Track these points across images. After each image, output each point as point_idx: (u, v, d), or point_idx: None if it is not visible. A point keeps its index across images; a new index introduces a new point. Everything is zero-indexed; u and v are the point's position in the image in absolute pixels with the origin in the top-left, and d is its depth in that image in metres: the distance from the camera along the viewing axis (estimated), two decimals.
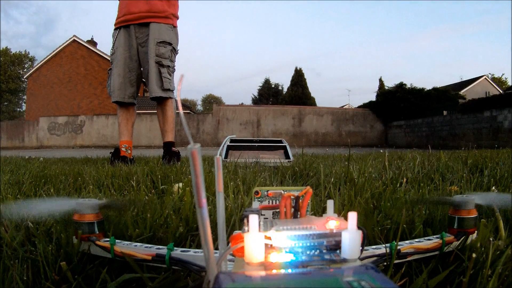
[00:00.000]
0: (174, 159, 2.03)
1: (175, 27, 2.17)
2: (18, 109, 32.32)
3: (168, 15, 2.11)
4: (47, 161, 2.44)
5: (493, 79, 27.39)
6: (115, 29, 2.15)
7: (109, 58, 2.23)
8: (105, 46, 22.66)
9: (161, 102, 2.10)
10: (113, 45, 2.14)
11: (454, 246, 0.43)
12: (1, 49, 30.40)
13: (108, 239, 0.42)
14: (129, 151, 2.12)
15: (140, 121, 12.43)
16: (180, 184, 0.89)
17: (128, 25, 2.09)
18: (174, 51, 2.14)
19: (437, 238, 0.43)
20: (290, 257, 0.24)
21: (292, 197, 0.33)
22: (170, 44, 2.09)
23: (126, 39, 2.11)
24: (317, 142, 13.01)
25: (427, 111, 12.20)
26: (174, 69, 2.14)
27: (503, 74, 32.94)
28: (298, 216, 0.32)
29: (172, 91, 2.10)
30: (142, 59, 2.12)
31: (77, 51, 17.98)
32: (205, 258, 0.20)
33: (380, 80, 23.15)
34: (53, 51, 18.30)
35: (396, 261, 0.40)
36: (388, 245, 0.40)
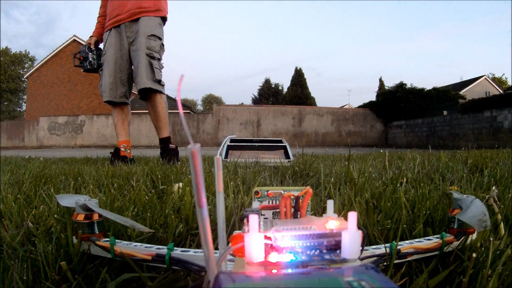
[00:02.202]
0: (174, 158, 2.02)
1: (165, 19, 2.17)
2: (18, 109, 32.35)
3: (159, 7, 2.12)
4: (47, 161, 2.44)
5: (493, 79, 27.41)
6: (105, 31, 2.16)
7: None
8: None
9: (150, 98, 2.06)
10: (104, 46, 2.15)
11: (454, 246, 0.43)
12: (1, 49, 30.42)
13: (108, 239, 0.42)
14: (129, 151, 2.12)
15: (140, 121, 12.42)
16: (180, 184, 0.89)
17: (119, 25, 2.09)
18: (163, 47, 2.14)
19: (437, 238, 0.43)
20: (290, 257, 0.24)
21: (292, 197, 0.33)
22: (160, 39, 2.10)
23: (117, 40, 2.10)
24: (317, 142, 13.00)
25: (427, 111, 12.20)
26: (163, 66, 2.13)
27: (503, 74, 32.94)
28: (298, 216, 0.32)
29: (162, 85, 2.07)
30: (132, 57, 2.10)
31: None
32: (205, 258, 0.20)
33: (380, 80, 23.16)
34: (53, 51, 18.30)
35: (396, 261, 0.40)
36: (388, 245, 0.40)
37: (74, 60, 2.20)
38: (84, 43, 2.18)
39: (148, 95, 2.06)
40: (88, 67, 2.15)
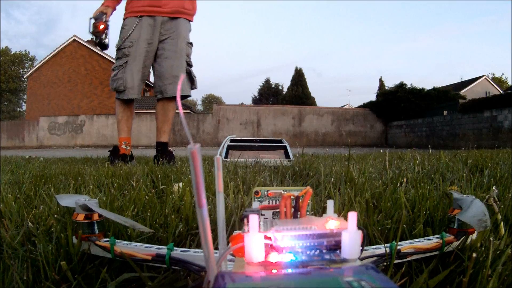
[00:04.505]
0: (172, 160, 2.03)
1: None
2: (18, 109, 32.38)
3: (194, 13, 2.11)
4: (47, 160, 2.44)
5: (493, 79, 27.42)
6: (134, 17, 1.94)
7: (114, 54, 2.04)
8: None
9: (167, 101, 2.06)
10: (129, 35, 1.92)
11: (454, 246, 0.43)
12: (1, 48, 30.43)
13: (108, 239, 0.42)
14: (128, 148, 2.09)
15: (140, 121, 12.42)
16: (180, 184, 0.89)
17: (154, 16, 1.95)
18: None
19: (437, 238, 0.43)
20: (290, 257, 0.24)
21: (292, 197, 0.33)
22: (192, 46, 2.11)
23: (149, 33, 1.95)
24: (317, 142, 13.01)
25: (427, 111, 12.20)
26: None
27: (503, 74, 32.90)
28: (298, 216, 0.32)
29: None
30: (160, 55, 2.00)
31: (77, 51, 18.00)
32: (205, 258, 0.20)
33: (380, 80, 23.23)
34: (53, 51, 18.32)
35: (396, 261, 0.40)
36: (388, 245, 0.40)
37: (91, 25, 1.91)
38: (97, 12, 1.96)
39: (168, 98, 2.03)
40: (106, 41, 1.92)
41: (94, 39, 1.94)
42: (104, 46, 1.98)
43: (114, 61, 2.04)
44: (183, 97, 2.08)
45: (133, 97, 1.99)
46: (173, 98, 2.03)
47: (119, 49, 1.97)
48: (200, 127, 12.70)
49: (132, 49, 1.94)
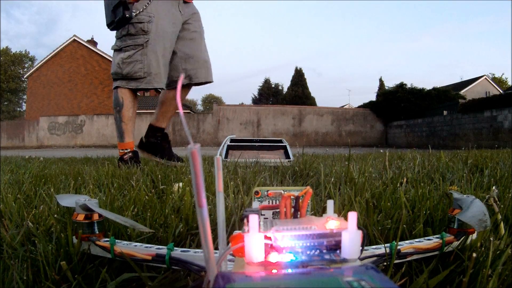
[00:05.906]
0: (174, 158, 2.00)
1: None
2: (18, 109, 32.39)
3: None
4: (47, 160, 2.44)
5: (493, 79, 27.42)
6: None
7: (118, 47, 1.60)
8: (105, 46, 22.65)
9: (182, 90, 1.88)
10: (145, 7, 1.56)
11: (454, 246, 0.43)
12: (1, 48, 30.42)
13: (108, 239, 0.42)
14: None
15: (140, 121, 12.40)
16: (180, 184, 0.89)
17: None
18: None
19: (437, 238, 0.43)
20: (290, 257, 0.24)
21: (292, 197, 0.33)
22: None
23: (169, 10, 1.64)
24: (317, 142, 13.01)
25: (427, 111, 12.21)
26: None
27: (503, 74, 32.93)
28: (298, 216, 0.32)
29: None
30: (182, 36, 1.73)
31: (77, 51, 18.00)
32: (205, 258, 0.20)
33: (380, 80, 23.23)
34: (53, 51, 18.33)
35: (396, 261, 0.40)
36: (388, 245, 0.40)
37: None
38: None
39: (182, 87, 1.82)
40: (128, 15, 1.49)
41: (118, 13, 1.52)
42: (127, 20, 1.53)
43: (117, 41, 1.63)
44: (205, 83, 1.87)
45: (159, 86, 1.65)
46: (193, 86, 1.82)
47: (130, 23, 1.56)
48: (200, 127, 12.70)
49: (152, 25, 1.57)
